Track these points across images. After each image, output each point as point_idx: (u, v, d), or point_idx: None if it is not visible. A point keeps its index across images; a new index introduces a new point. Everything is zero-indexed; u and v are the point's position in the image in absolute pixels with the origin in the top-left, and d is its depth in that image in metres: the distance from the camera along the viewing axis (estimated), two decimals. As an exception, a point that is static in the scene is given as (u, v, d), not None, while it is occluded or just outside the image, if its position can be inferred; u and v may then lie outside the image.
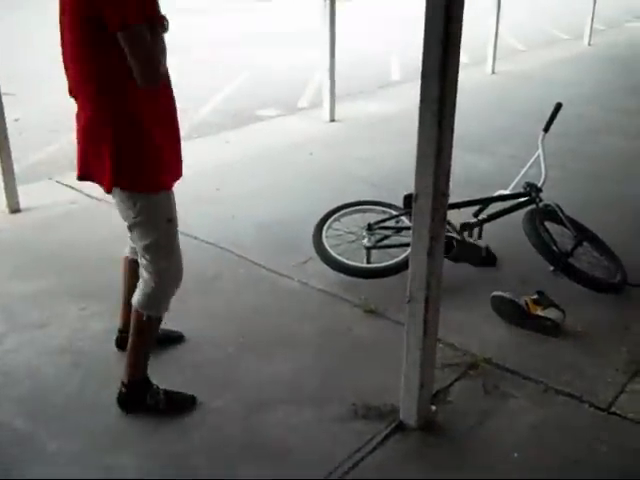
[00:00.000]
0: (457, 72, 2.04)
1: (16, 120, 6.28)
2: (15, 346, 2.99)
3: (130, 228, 2.42)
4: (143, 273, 2.47)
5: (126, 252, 2.78)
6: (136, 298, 2.49)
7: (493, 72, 9.23)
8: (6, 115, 4.31)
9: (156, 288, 2.45)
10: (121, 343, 2.83)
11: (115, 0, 2.07)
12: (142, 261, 2.45)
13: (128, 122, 2.24)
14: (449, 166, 2.15)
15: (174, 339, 3.00)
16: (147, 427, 2.50)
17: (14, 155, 4.46)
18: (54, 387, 2.72)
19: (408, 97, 7.41)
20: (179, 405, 2.59)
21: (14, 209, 4.47)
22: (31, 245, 3.97)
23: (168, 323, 2.89)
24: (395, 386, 2.49)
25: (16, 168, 4.51)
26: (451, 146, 2.14)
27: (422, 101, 2.06)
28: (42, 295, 3.39)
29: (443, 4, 1.91)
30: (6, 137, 4.37)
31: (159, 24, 2.24)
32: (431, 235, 2.20)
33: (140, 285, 2.50)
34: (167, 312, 2.54)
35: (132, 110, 2.24)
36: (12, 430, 2.48)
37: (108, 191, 2.35)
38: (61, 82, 2.38)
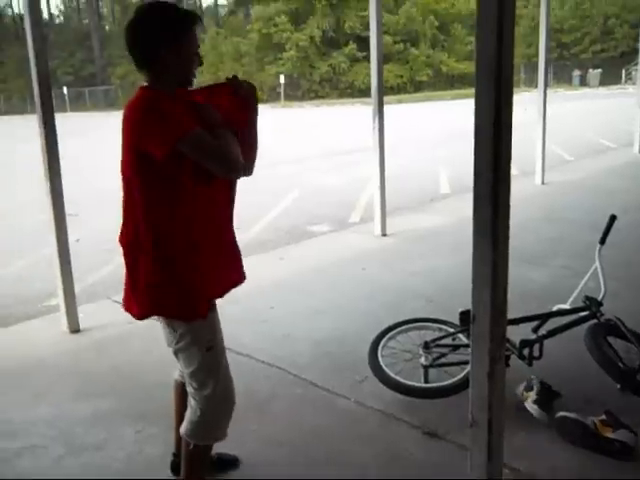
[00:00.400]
0: (508, 195, 2.07)
1: (77, 241, 6.55)
2: (73, 469, 2.98)
3: (175, 354, 2.43)
4: (190, 400, 2.46)
5: (176, 375, 2.77)
6: (184, 426, 2.47)
7: (543, 182, 9.30)
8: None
9: (202, 416, 2.42)
10: (175, 467, 2.79)
11: (153, 136, 2.17)
12: (189, 388, 2.45)
13: (164, 251, 2.30)
14: (506, 285, 2.13)
15: (228, 462, 2.94)
16: None
17: (74, 275, 4.62)
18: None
19: (458, 210, 7.54)
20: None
21: (74, 329, 4.59)
22: (90, 366, 4.04)
23: (222, 446, 2.87)
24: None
25: (76, 288, 4.66)
26: (507, 265, 2.13)
27: (475, 223, 2.08)
28: (100, 417, 3.40)
29: (491, 135, 1.97)
30: (69, 260, 4.56)
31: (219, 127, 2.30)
32: (491, 356, 2.15)
33: (187, 412, 2.48)
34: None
35: (170, 240, 2.30)
36: None
37: (139, 317, 2.39)
38: (120, 204, 2.50)
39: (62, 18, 59.64)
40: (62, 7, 61.00)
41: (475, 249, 2.11)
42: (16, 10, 56.70)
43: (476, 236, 2.09)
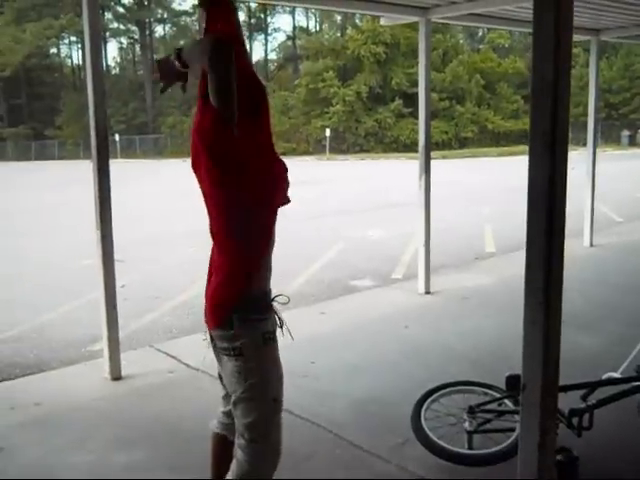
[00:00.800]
0: (562, 264, 2.04)
1: (122, 287, 6.64)
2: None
3: (235, 403, 2.38)
4: (238, 453, 2.40)
5: (214, 426, 2.68)
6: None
7: (591, 245, 9.13)
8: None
9: (250, 471, 2.36)
10: None
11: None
12: (240, 440, 2.40)
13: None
14: (558, 356, 2.08)
15: None
16: None
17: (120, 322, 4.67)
18: None
19: (504, 269, 7.45)
20: None
21: (116, 376, 4.61)
22: (130, 414, 4.04)
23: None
24: None
25: (121, 334, 4.71)
26: (559, 334, 2.09)
27: (527, 291, 2.05)
28: (138, 467, 3.38)
29: (546, 198, 1.95)
30: (115, 306, 4.61)
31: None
32: (542, 427, 2.09)
33: (233, 467, 2.42)
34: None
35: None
36: None
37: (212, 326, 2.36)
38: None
39: (118, 69, 61.92)
40: (118, 59, 63.22)
41: (527, 317, 2.07)
42: (75, 60, 59.06)
43: (528, 304, 2.06)
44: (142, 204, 16.28)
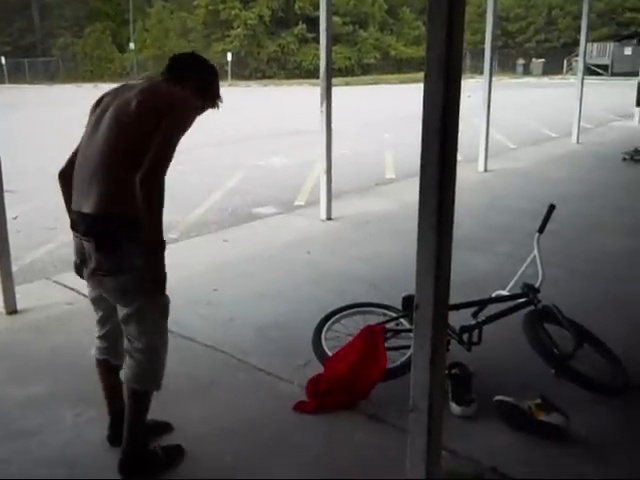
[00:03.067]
0: (454, 188, 2.10)
1: (14, 218, 6.37)
2: (8, 455, 2.90)
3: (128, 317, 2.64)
4: (132, 354, 2.67)
5: (95, 354, 2.93)
6: (126, 376, 2.67)
7: (485, 170, 9.47)
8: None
9: (147, 364, 2.68)
10: (113, 440, 2.88)
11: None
12: (131, 345, 2.66)
13: None
14: (449, 276, 2.17)
15: (164, 427, 3.04)
16: None
17: (12, 254, 4.48)
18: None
19: (403, 195, 7.62)
20: (173, 458, 2.82)
21: (11, 310, 4.46)
22: (27, 348, 3.93)
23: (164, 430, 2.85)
24: (400, 499, 2.41)
25: (13, 267, 4.53)
26: (450, 255, 2.17)
27: (421, 214, 2.11)
28: (37, 401, 3.32)
29: (438, 127, 2.00)
30: (6, 238, 4.42)
31: None
32: (433, 344, 2.19)
33: (129, 364, 2.67)
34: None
35: None
36: None
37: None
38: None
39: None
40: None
41: (420, 239, 2.13)
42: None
43: (421, 227, 2.11)
44: (31, 133, 15.46)
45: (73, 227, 2.65)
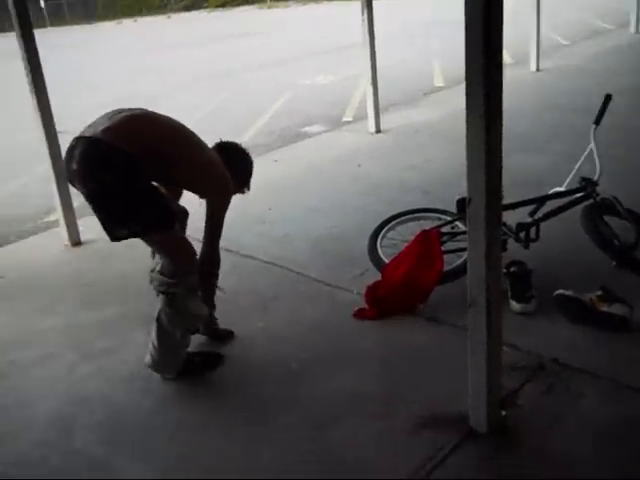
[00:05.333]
0: (501, 75, 2.04)
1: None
2: (87, 374, 3.08)
3: None
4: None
5: (154, 288, 2.96)
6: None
7: (538, 69, 9.11)
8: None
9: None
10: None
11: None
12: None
13: None
14: (500, 168, 2.13)
15: (225, 334, 3.22)
16: (217, 445, 2.53)
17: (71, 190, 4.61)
18: (127, 413, 2.79)
19: (452, 102, 7.43)
20: (210, 362, 3.02)
21: (75, 242, 4.64)
22: (95, 275, 4.10)
23: (226, 344, 2.97)
24: (462, 393, 2.46)
25: (74, 203, 4.67)
26: (501, 147, 2.13)
27: (468, 106, 2.06)
28: (109, 323, 3.48)
29: (481, 14, 1.92)
30: (63, 176, 4.53)
31: None
32: (487, 238, 2.18)
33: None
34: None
35: None
36: (89, 457, 2.54)
37: None
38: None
39: None
40: None
41: (469, 133, 2.09)
42: None
43: (469, 120, 2.07)
44: (78, 74, 15.58)
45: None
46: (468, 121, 2.08)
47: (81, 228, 4.67)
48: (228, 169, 2.93)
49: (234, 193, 3.01)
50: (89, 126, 2.69)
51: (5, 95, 11.94)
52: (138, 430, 2.67)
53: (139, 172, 2.60)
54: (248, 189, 3.20)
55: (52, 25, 40.14)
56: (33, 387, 3.03)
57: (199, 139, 2.87)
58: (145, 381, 2.96)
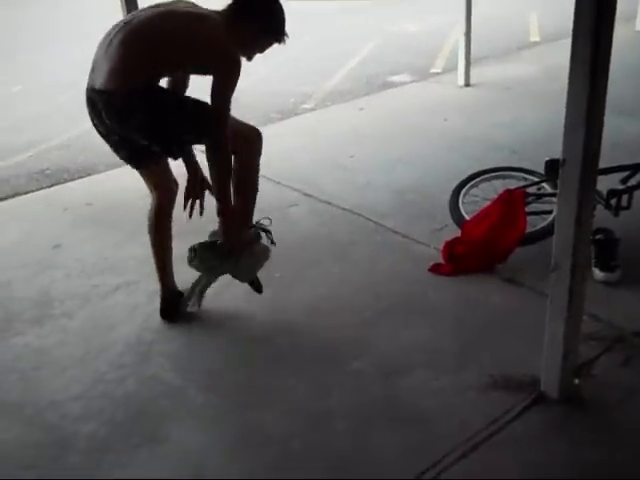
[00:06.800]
0: (612, 30, 1.93)
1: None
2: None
3: None
4: None
5: None
6: None
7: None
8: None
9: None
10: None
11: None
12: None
13: None
14: (601, 128, 2.04)
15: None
16: (286, 383, 2.59)
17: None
18: (203, 344, 2.88)
19: (548, 59, 7.12)
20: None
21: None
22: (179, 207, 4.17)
23: (301, 287, 2.99)
24: (536, 357, 2.43)
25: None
26: (604, 107, 2.04)
27: (572, 61, 1.97)
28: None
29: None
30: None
31: None
32: (579, 200, 2.10)
33: None
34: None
35: None
36: (164, 384, 2.65)
37: None
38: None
39: None
40: None
41: (570, 89, 2.00)
42: None
43: (573, 75, 1.98)
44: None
45: None
46: (571, 76, 1.99)
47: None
48: (249, 25, 2.73)
49: (269, 45, 2.81)
50: (92, 70, 2.72)
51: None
52: (215, 362, 2.76)
53: (158, 97, 2.69)
54: (283, 39, 2.80)
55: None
56: (114, 312, 3.16)
57: (194, 14, 2.70)
58: (221, 315, 3.05)
